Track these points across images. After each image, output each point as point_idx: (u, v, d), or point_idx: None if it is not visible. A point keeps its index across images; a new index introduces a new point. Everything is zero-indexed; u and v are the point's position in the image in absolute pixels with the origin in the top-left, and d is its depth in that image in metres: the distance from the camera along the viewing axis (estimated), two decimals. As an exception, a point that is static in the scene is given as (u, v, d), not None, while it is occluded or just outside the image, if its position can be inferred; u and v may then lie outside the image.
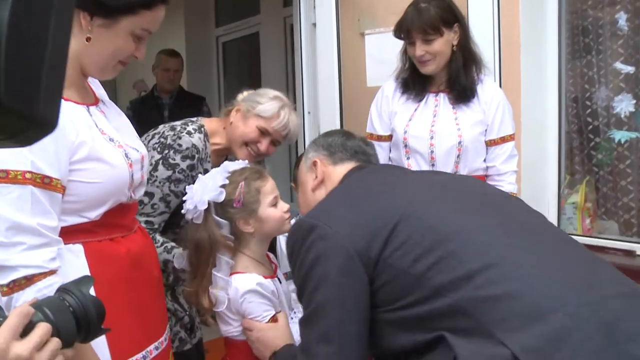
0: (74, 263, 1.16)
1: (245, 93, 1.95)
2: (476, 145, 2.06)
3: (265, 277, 1.53)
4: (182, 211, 1.55)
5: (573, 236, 2.49)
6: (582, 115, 2.60)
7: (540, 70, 2.54)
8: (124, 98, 5.17)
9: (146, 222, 1.74)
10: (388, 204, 1.24)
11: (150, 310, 1.34)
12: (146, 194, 1.73)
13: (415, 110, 2.11)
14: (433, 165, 2.06)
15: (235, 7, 5.40)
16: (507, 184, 2.09)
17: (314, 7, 2.77)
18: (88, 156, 1.16)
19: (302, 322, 1.28)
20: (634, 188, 2.49)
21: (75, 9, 1.14)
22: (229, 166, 1.58)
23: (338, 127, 2.65)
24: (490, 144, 2.09)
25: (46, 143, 1.06)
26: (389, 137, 2.17)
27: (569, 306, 1.02)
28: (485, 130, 2.07)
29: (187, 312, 1.92)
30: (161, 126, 1.88)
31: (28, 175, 1.05)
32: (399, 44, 2.14)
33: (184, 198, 1.55)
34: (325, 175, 1.51)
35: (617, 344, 0.97)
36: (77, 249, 1.18)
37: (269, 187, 1.57)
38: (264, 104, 1.84)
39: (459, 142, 2.03)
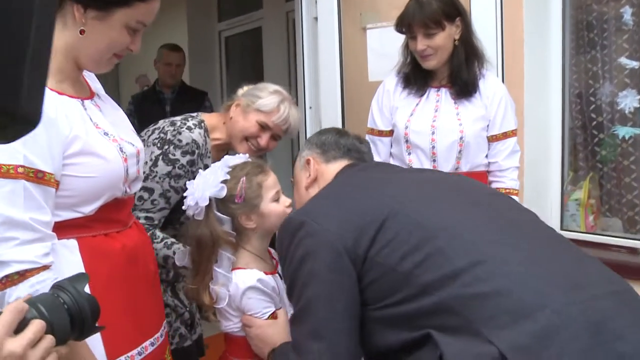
0: (68, 258, 1.15)
1: (245, 88, 1.94)
2: (478, 141, 2.04)
3: (266, 273, 1.52)
4: (183, 207, 1.54)
5: (576, 233, 2.52)
6: (586, 111, 2.58)
7: (543, 65, 2.52)
8: (127, 93, 5.17)
9: (146, 218, 1.74)
10: (376, 201, 1.24)
11: (146, 306, 1.33)
12: (146, 189, 1.73)
13: (417, 105, 2.10)
14: (434, 160, 2.05)
15: (237, 1, 5.39)
16: (509, 180, 2.08)
17: (316, 1, 2.75)
18: (82, 150, 1.15)
19: (292, 320, 1.28)
20: (638, 185, 2.47)
21: (69, 1, 1.14)
22: (230, 161, 1.57)
23: (339, 121, 2.64)
24: (492, 139, 2.07)
25: (39, 137, 1.06)
26: (390, 133, 2.16)
27: (557, 304, 1.01)
28: (487, 126, 2.06)
29: (188, 308, 1.91)
30: (161, 121, 1.87)
31: (20, 170, 1.04)
32: (401, 38, 2.13)
33: (184, 194, 1.54)
34: (319, 173, 1.52)
35: (605, 343, 0.97)
36: (72, 244, 1.17)
37: (270, 182, 1.56)
38: (264, 99, 1.83)
39: (461, 138, 2.02)
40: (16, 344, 0.80)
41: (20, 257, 1.03)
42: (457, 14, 2.01)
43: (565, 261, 1.15)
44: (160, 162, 1.75)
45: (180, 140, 1.76)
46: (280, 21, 4.66)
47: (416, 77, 2.10)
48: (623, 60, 2.44)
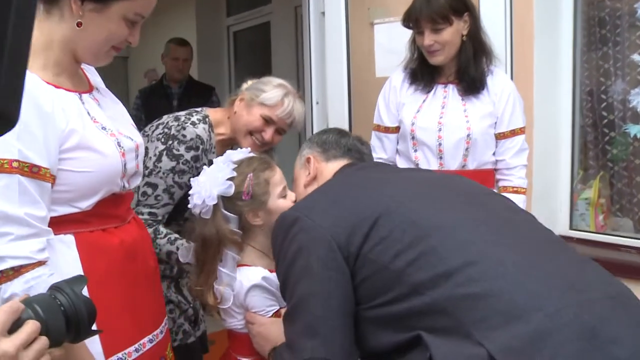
0: (65, 254, 1.15)
1: (249, 82, 1.92)
2: (485, 138, 2.02)
3: (271, 271, 1.49)
4: (189, 206, 1.52)
5: (585, 233, 2.49)
6: (597, 109, 2.55)
7: (554, 62, 2.49)
8: (136, 87, 5.18)
9: (150, 213, 1.73)
10: (371, 199, 1.23)
11: (145, 302, 1.32)
12: (150, 185, 1.72)
13: (424, 101, 2.08)
14: (441, 158, 2.02)
15: (246, -4, 5.38)
16: (516, 179, 2.06)
17: (324, -5, 2.73)
18: (78, 145, 1.13)
19: (285, 318, 1.26)
20: (649, 184, 2.44)
21: None
22: (233, 156, 1.54)
23: (346, 117, 2.63)
24: (500, 137, 2.05)
25: (35, 131, 1.05)
26: (397, 129, 2.14)
27: (551, 306, 0.99)
28: (495, 123, 2.03)
29: (191, 305, 1.91)
30: (165, 116, 1.86)
31: (15, 164, 1.02)
32: (409, 34, 2.11)
33: (190, 192, 1.51)
34: (318, 171, 1.51)
35: (600, 347, 0.95)
36: (69, 239, 1.16)
37: (277, 178, 1.55)
38: (268, 92, 1.82)
39: (468, 135, 2.00)
40: (9, 344, 0.80)
41: (15, 253, 1.02)
42: (465, 9, 1.98)
43: (561, 263, 1.13)
44: (164, 158, 1.74)
45: (184, 136, 1.75)
46: (289, 16, 4.64)
47: (423, 73, 2.08)
48: (636, 57, 2.41)
